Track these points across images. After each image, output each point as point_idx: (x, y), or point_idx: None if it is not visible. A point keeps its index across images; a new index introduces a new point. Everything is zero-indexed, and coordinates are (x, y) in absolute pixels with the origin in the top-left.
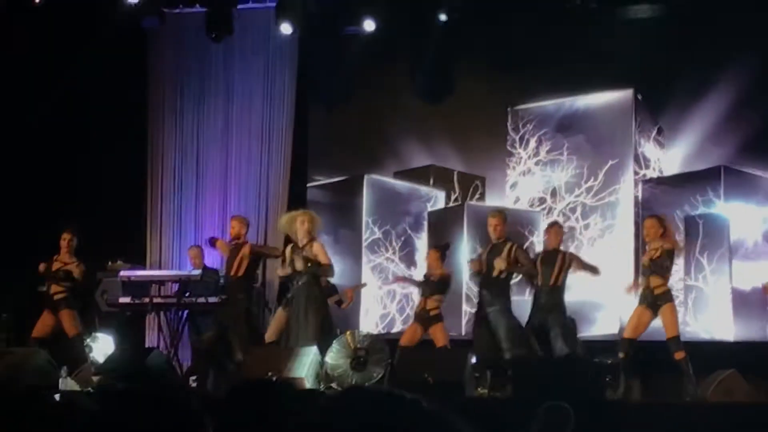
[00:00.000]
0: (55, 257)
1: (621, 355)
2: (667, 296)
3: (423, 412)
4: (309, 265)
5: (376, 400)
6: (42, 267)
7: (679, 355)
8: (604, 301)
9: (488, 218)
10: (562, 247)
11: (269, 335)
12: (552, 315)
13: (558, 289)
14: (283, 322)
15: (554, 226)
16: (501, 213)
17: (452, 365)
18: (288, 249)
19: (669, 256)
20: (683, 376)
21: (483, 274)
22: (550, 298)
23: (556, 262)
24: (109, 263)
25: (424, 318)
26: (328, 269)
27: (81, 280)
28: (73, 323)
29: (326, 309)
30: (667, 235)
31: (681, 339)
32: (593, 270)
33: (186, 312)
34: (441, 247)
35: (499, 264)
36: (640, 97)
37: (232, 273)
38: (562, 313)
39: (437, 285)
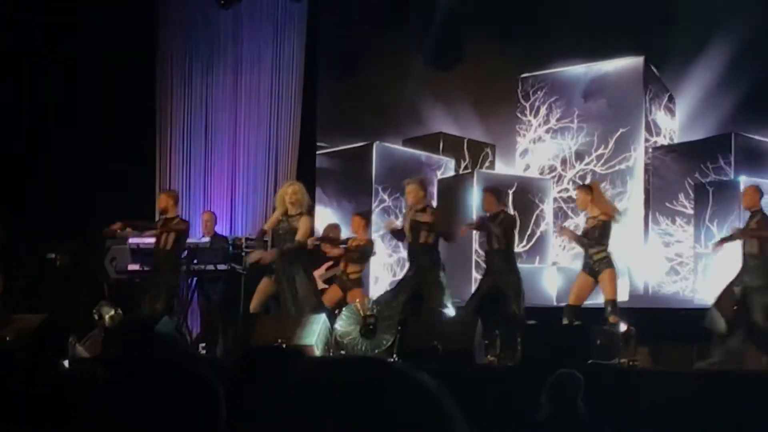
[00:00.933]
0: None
1: (565, 321)
2: (607, 262)
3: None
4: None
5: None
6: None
7: (613, 319)
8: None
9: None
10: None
11: (254, 306)
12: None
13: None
14: (268, 292)
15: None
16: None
17: (462, 333)
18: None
19: (604, 227)
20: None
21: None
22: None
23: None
24: (118, 231)
25: (343, 281)
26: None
27: None
28: None
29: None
30: (599, 203)
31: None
32: None
33: (195, 279)
34: (365, 213)
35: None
36: (651, 64)
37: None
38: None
39: (359, 252)
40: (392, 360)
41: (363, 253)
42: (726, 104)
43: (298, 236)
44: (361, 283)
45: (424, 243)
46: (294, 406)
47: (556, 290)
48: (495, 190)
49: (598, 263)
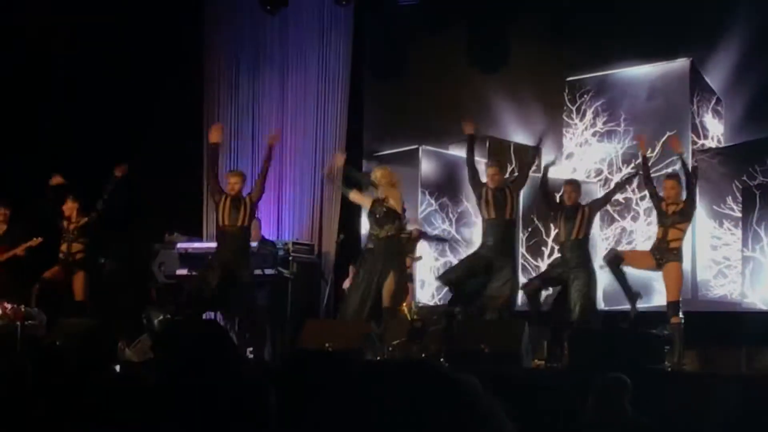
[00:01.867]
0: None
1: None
2: (677, 254)
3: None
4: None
5: (409, 369)
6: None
7: (675, 320)
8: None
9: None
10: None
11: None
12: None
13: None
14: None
15: (569, 184)
16: (574, 181)
17: (508, 335)
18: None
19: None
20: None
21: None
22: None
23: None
24: (167, 235)
25: None
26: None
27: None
28: (84, 282)
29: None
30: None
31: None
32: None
33: None
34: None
35: None
36: (696, 66)
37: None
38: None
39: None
40: (441, 363)
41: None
42: None
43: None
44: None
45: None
46: (346, 408)
47: (602, 293)
48: (576, 182)
49: (668, 253)
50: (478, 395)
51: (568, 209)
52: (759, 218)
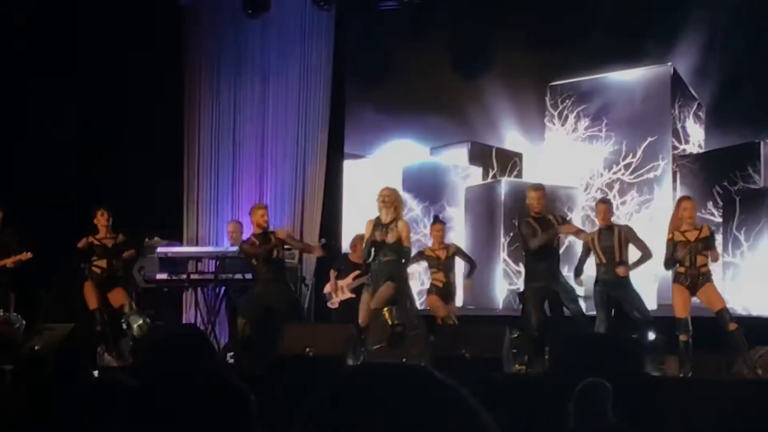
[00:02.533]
0: (95, 235)
1: (683, 337)
2: (709, 276)
3: (435, 384)
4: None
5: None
6: (82, 243)
7: (732, 326)
8: (640, 277)
9: (529, 192)
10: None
11: (362, 320)
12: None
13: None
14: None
15: (601, 203)
16: (541, 188)
17: (490, 341)
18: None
19: (713, 238)
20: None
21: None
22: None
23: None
24: (147, 240)
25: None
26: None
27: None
28: (127, 298)
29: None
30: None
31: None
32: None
33: (223, 288)
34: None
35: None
36: (677, 71)
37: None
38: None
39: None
40: (426, 368)
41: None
42: (755, 112)
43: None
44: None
45: None
46: (330, 412)
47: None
48: (608, 201)
49: (703, 276)
50: (466, 401)
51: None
52: (739, 224)
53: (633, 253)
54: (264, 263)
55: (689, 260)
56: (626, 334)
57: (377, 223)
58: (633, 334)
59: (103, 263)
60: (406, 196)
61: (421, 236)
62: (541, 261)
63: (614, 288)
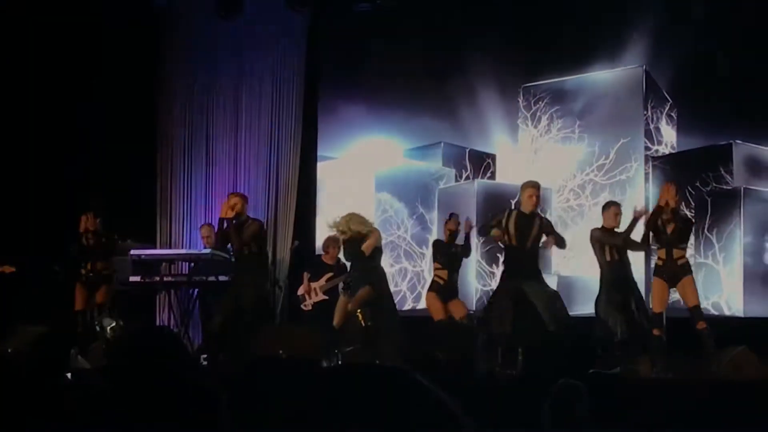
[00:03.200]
0: (82, 237)
1: (656, 332)
2: (689, 267)
3: (414, 385)
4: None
5: (367, 374)
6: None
7: (701, 325)
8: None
9: (526, 189)
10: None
11: (337, 322)
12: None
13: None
14: (346, 308)
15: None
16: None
17: (462, 342)
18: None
19: (689, 228)
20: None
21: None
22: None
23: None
24: (120, 242)
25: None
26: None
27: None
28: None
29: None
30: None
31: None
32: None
33: (197, 290)
34: (456, 216)
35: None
36: (650, 73)
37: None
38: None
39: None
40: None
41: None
42: (727, 113)
43: (363, 247)
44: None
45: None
46: (308, 413)
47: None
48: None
49: (681, 268)
50: (453, 411)
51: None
52: (710, 225)
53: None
54: (236, 256)
55: (665, 254)
56: (600, 335)
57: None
58: (607, 335)
59: (88, 265)
60: (380, 198)
61: (395, 237)
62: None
63: None
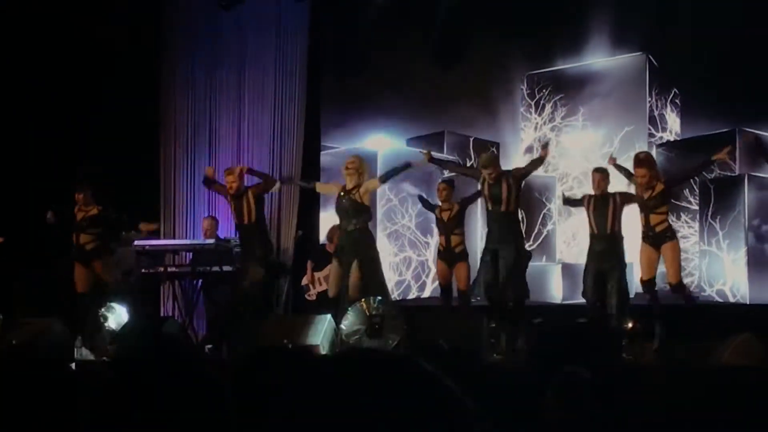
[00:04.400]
0: (75, 210)
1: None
2: (672, 233)
3: (421, 373)
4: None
5: (372, 361)
6: (50, 215)
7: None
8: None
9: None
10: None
11: (332, 292)
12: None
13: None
14: (339, 274)
15: (596, 172)
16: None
17: (467, 331)
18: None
19: (666, 195)
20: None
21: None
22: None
23: (608, 206)
24: (123, 233)
25: (450, 255)
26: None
27: (106, 221)
28: (109, 270)
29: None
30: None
31: (695, 302)
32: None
33: (200, 281)
34: (449, 180)
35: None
36: (654, 61)
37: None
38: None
39: (458, 219)
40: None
41: (461, 218)
42: (731, 99)
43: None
44: (466, 255)
45: None
46: (313, 400)
47: (561, 288)
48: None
49: (660, 234)
50: (460, 399)
51: (598, 199)
52: (714, 212)
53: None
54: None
55: (644, 219)
56: (604, 322)
57: (341, 191)
58: (611, 321)
59: (73, 238)
60: (383, 187)
61: (399, 226)
62: None
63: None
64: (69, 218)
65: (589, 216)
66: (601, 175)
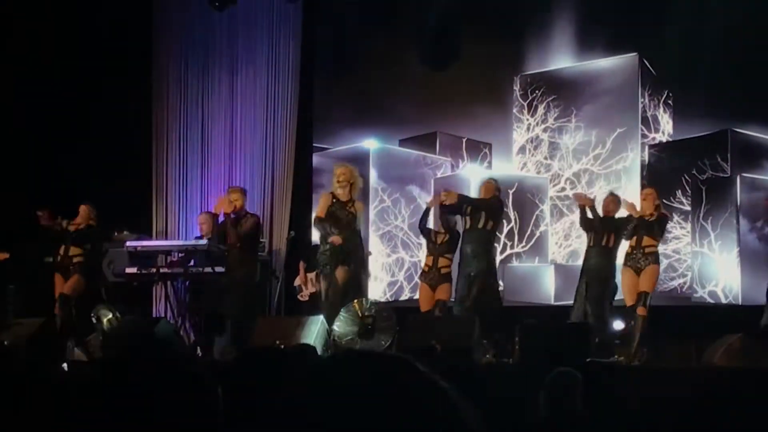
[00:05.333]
0: (72, 221)
1: (626, 325)
2: (655, 257)
3: (416, 374)
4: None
5: (368, 362)
6: (43, 215)
7: (641, 311)
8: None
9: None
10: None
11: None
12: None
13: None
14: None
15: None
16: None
17: (460, 332)
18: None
19: (664, 221)
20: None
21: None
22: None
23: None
24: (116, 233)
25: (433, 277)
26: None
27: (94, 246)
28: (76, 287)
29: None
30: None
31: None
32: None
33: (188, 282)
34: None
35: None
36: (647, 62)
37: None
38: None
39: (450, 245)
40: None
41: (454, 245)
42: (723, 100)
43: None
44: (450, 277)
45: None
46: (303, 403)
47: (554, 289)
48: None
49: (647, 256)
50: (443, 390)
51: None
52: (706, 213)
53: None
54: (229, 250)
55: (636, 240)
56: (594, 325)
57: (334, 203)
58: (602, 324)
59: (60, 249)
60: (376, 188)
61: (392, 227)
62: None
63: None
64: (60, 228)
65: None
66: (611, 198)
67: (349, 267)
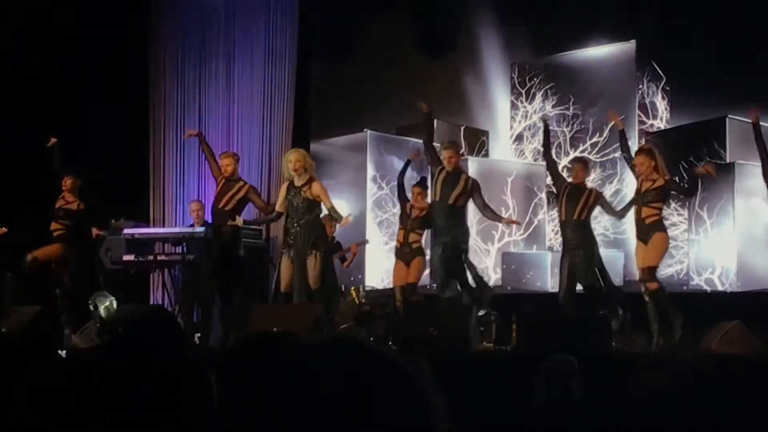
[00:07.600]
0: (59, 198)
1: (643, 289)
2: (660, 225)
3: (373, 357)
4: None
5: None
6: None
7: (652, 286)
8: (607, 251)
9: (443, 150)
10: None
11: (284, 286)
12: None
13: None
14: (290, 269)
15: (578, 162)
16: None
17: (457, 319)
18: (283, 188)
19: (665, 189)
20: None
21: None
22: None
23: (581, 198)
24: (113, 221)
25: (405, 253)
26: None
27: (80, 219)
28: (61, 254)
29: (329, 257)
30: (660, 167)
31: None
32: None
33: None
34: (422, 182)
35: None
36: (643, 48)
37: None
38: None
39: (422, 221)
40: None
41: (426, 222)
42: (721, 87)
43: (327, 204)
44: (423, 251)
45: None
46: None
47: (551, 276)
48: (584, 160)
49: (651, 226)
50: (406, 372)
51: (573, 188)
52: (701, 201)
53: None
54: (214, 211)
55: (636, 212)
56: (592, 311)
57: (290, 187)
58: (600, 311)
59: (51, 225)
60: (374, 175)
61: (389, 215)
62: None
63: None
64: (57, 164)
65: (560, 203)
66: (580, 164)
67: (319, 252)
